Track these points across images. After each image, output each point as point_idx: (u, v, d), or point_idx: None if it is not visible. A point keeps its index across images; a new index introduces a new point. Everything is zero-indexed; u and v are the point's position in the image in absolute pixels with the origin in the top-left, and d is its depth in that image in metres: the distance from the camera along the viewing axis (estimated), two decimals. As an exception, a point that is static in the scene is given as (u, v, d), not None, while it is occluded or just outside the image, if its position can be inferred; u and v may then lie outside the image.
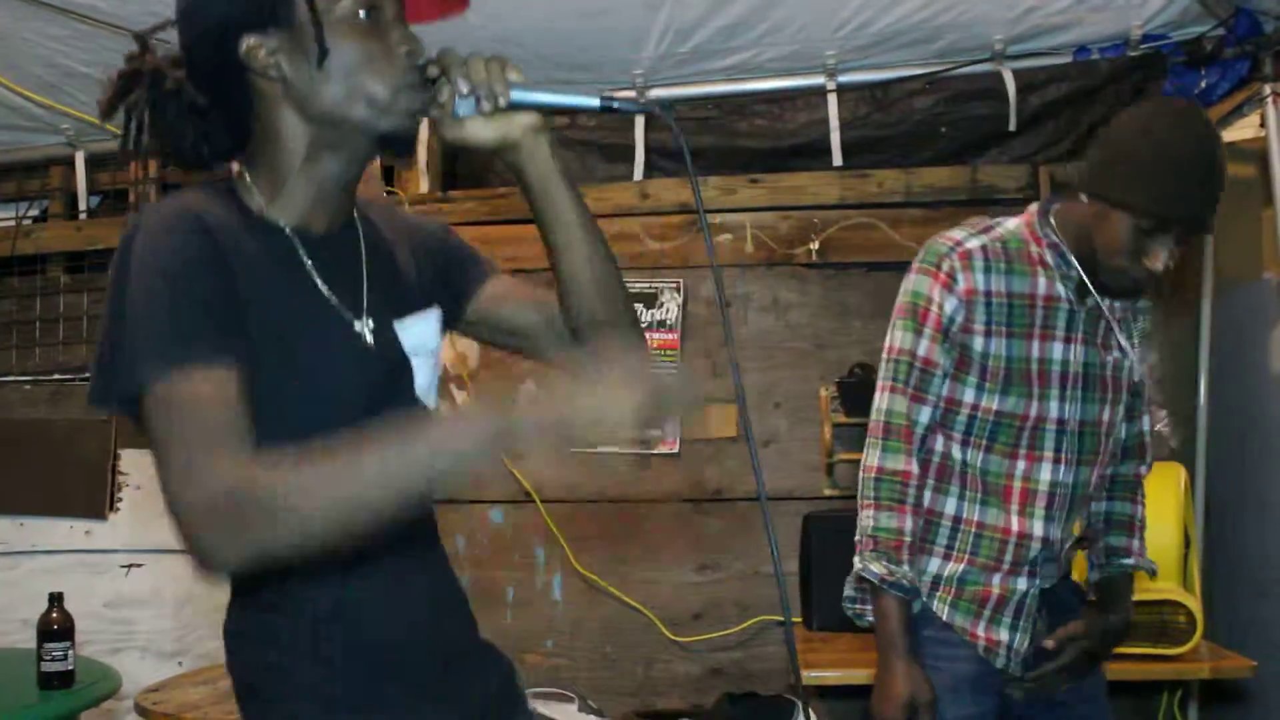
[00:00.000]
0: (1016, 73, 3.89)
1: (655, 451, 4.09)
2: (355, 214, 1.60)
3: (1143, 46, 3.78)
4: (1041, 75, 3.92)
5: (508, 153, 1.53)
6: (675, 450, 4.08)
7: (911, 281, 2.34)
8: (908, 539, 2.28)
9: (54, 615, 3.22)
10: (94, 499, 4.32)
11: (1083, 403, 2.34)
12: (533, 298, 1.72)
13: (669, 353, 4.09)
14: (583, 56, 3.83)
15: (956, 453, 2.35)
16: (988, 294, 2.27)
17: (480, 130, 1.50)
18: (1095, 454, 2.38)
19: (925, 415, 2.32)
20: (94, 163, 4.47)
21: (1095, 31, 3.77)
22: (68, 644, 3.19)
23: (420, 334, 1.60)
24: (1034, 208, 2.39)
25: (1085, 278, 2.30)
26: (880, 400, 2.33)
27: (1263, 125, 3.72)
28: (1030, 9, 3.61)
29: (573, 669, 4.09)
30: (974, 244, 2.30)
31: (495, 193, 4.19)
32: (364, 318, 1.53)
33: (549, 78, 3.97)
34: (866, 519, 2.31)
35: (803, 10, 3.59)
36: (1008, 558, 2.34)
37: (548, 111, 1.54)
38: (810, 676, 3.18)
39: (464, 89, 1.46)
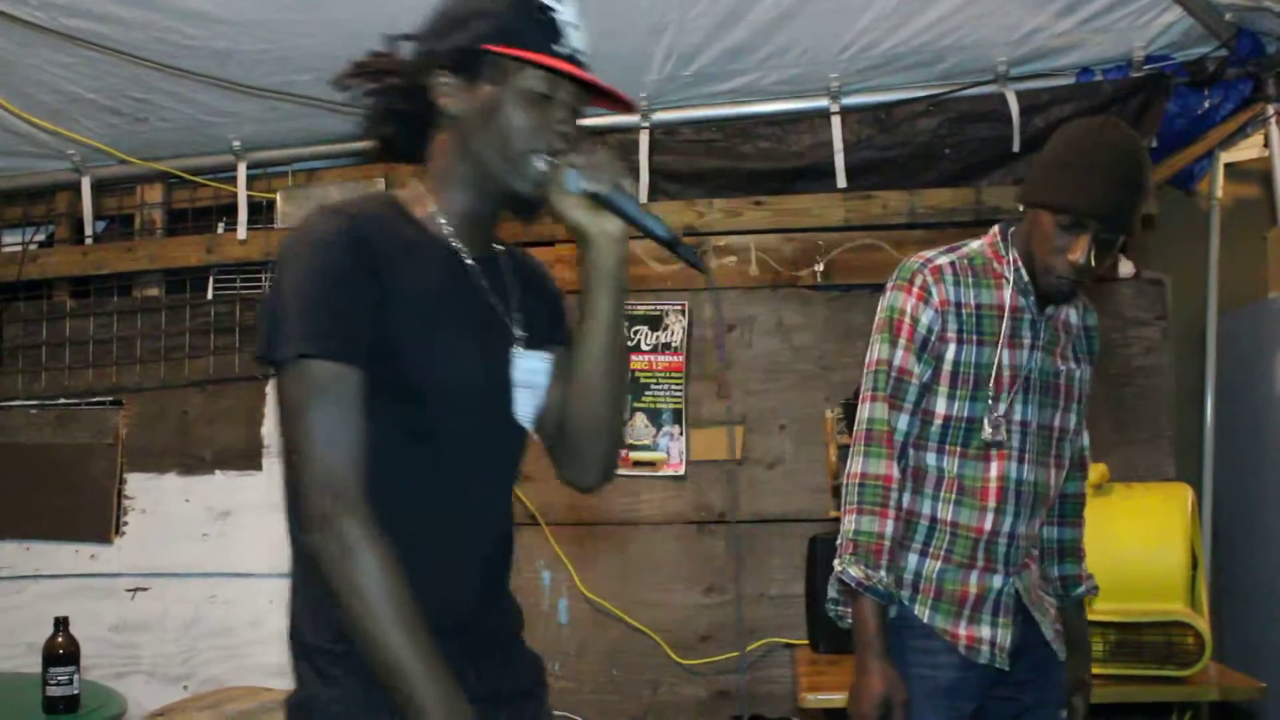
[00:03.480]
0: (1020, 94, 3.90)
1: (660, 474, 4.08)
2: (500, 246, 1.83)
3: (1145, 68, 3.79)
4: (1045, 97, 3.93)
5: (583, 242, 1.69)
6: (680, 472, 4.08)
7: (887, 298, 2.49)
8: (887, 543, 2.38)
9: (59, 639, 3.22)
10: (100, 523, 4.32)
11: (1039, 406, 2.46)
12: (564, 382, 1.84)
13: (674, 375, 4.09)
14: (587, 80, 3.84)
15: (932, 460, 2.46)
16: (959, 305, 2.42)
17: (574, 209, 1.66)
18: (1050, 456, 2.50)
19: (903, 422, 2.43)
20: (100, 188, 4.48)
21: (1098, 53, 3.78)
22: (73, 668, 3.20)
23: (533, 370, 1.78)
24: (995, 229, 2.53)
25: (1033, 287, 2.44)
26: (862, 410, 2.46)
27: (1266, 145, 3.74)
28: (1033, 31, 3.62)
29: (579, 692, 4.08)
30: (943, 260, 2.47)
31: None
32: (502, 327, 1.76)
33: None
34: (849, 523, 2.41)
35: (806, 33, 3.61)
36: (980, 555, 2.44)
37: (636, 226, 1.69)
38: (816, 699, 3.16)
39: (579, 162, 1.65)
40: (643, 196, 4.14)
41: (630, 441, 4.09)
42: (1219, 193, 4.04)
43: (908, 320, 2.42)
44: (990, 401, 2.41)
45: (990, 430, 2.40)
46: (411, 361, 1.61)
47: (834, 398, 3.97)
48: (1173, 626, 3.14)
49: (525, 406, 1.78)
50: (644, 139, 4.12)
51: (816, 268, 4.06)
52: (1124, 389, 3.93)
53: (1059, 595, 2.65)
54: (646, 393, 4.10)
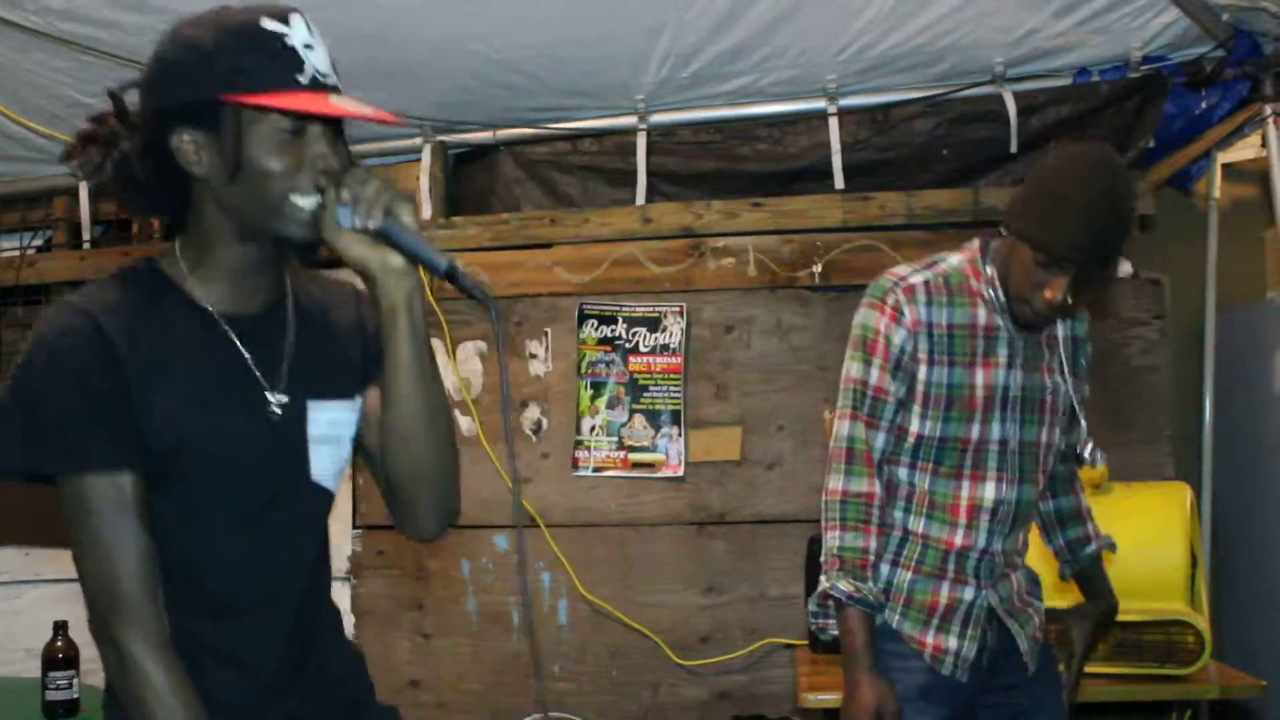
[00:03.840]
0: (1017, 95, 3.90)
1: (659, 475, 4.08)
2: (290, 294, 1.72)
3: (1143, 68, 3.80)
4: (1042, 97, 3.94)
5: (367, 280, 1.58)
6: (680, 473, 4.08)
7: (860, 315, 2.47)
8: (871, 557, 2.40)
9: (59, 644, 3.22)
10: (98, 527, 4.31)
11: (1022, 424, 2.45)
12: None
13: (673, 376, 4.09)
14: (584, 82, 3.85)
15: (904, 475, 2.47)
16: (930, 325, 2.41)
17: (352, 246, 1.54)
18: (1035, 472, 2.50)
19: (880, 440, 2.43)
20: (97, 193, 4.43)
21: (1095, 54, 3.79)
22: (73, 673, 3.19)
23: (331, 421, 1.70)
24: (976, 243, 2.50)
25: (1005, 307, 2.42)
26: (840, 428, 2.46)
27: (1264, 145, 3.73)
28: (1030, 31, 3.62)
29: (579, 693, 4.08)
30: (917, 279, 2.44)
31: (499, 219, 4.20)
32: (277, 391, 1.65)
33: (551, 104, 4.00)
34: (832, 539, 2.42)
35: (803, 35, 3.61)
36: (951, 567, 2.45)
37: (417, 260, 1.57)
38: (815, 699, 3.16)
39: (344, 196, 1.53)
40: (640, 199, 4.14)
41: (629, 443, 4.09)
42: (1217, 193, 4.04)
43: (881, 340, 2.41)
44: (964, 422, 2.40)
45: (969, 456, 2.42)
46: (169, 448, 1.55)
47: (833, 398, 3.87)
48: (1172, 625, 3.14)
49: (324, 463, 1.70)
50: (641, 141, 4.12)
51: (815, 269, 4.07)
52: (1122, 389, 3.93)
53: (1070, 562, 2.70)
54: (645, 394, 4.10)
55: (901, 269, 2.48)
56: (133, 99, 1.60)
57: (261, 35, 1.51)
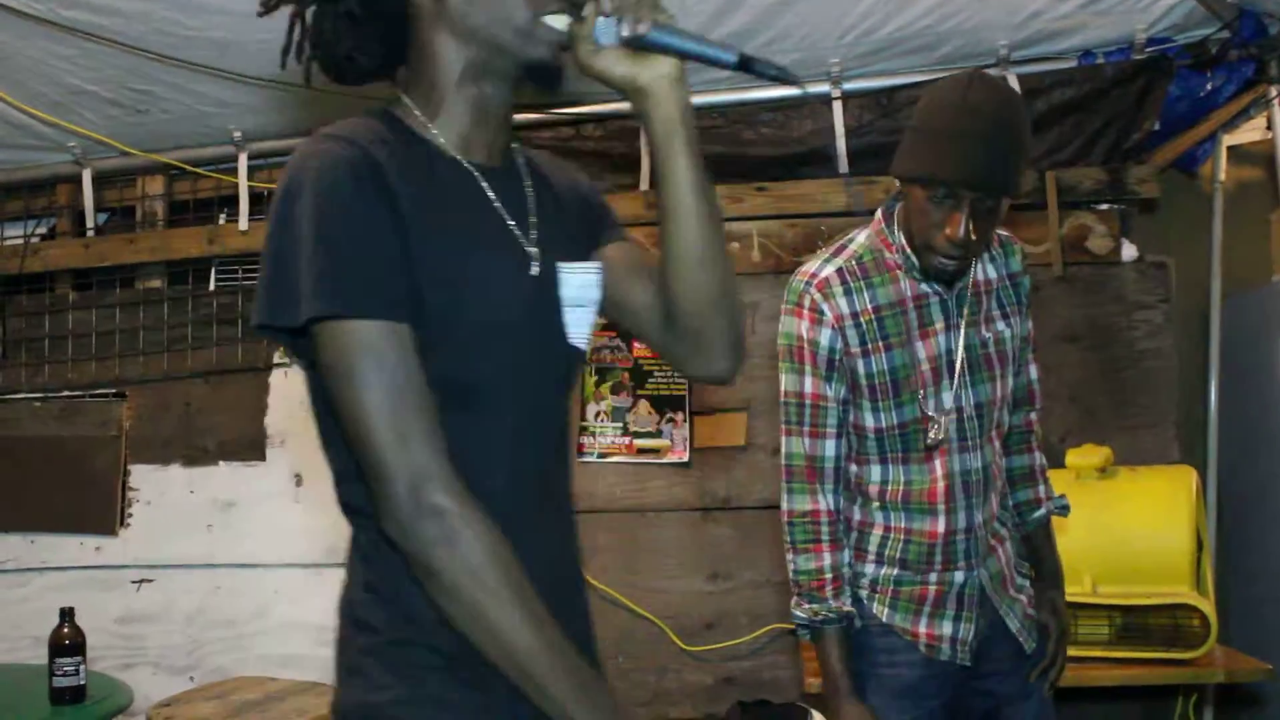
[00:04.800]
0: (1021, 78, 3.88)
1: (664, 461, 4.08)
2: (518, 151, 1.59)
3: (1147, 50, 3.78)
4: (1047, 80, 3.92)
5: (636, 97, 1.44)
6: (685, 459, 4.08)
7: (782, 324, 2.37)
8: (829, 575, 2.33)
9: (65, 630, 3.23)
10: (104, 515, 4.33)
11: (973, 386, 2.35)
12: (649, 274, 1.61)
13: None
14: (587, 67, 3.83)
15: (877, 473, 2.38)
16: (854, 315, 2.31)
17: (615, 65, 1.41)
18: (990, 431, 2.40)
19: (830, 448, 2.35)
20: (101, 180, 4.47)
21: (1099, 36, 3.77)
22: (79, 659, 3.20)
23: (582, 284, 1.56)
24: (879, 213, 2.40)
25: (919, 266, 2.30)
26: (783, 445, 2.38)
27: (1269, 128, 3.72)
28: (1034, 14, 3.61)
29: (584, 680, 4.08)
30: (828, 271, 2.34)
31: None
32: (530, 242, 1.52)
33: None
34: (789, 564, 2.37)
35: (807, 18, 3.60)
36: (938, 558, 2.36)
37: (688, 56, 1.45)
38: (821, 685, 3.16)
39: (607, 7, 1.39)
40: (644, 184, 4.13)
41: (634, 429, 4.09)
42: (1222, 175, 4.03)
43: (807, 345, 2.32)
44: (916, 403, 2.31)
45: (931, 434, 2.31)
46: (443, 304, 1.39)
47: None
48: (1178, 609, 3.14)
49: (579, 326, 1.56)
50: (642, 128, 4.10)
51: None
52: (1128, 372, 3.92)
53: (1018, 525, 2.55)
54: (650, 380, 4.10)
55: (810, 265, 2.38)
56: None
57: None
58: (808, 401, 2.33)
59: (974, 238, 2.20)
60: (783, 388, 2.37)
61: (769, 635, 4.02)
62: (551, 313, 1.53)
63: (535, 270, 1.50)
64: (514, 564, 1.34)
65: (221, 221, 4.46)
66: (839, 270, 2.33)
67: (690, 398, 4.08)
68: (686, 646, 4.05)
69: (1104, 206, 3.99)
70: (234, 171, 4.34)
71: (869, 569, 2.40)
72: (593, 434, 4.11)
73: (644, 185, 4.13)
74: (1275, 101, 3.61)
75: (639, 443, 4.09)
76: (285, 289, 1.34)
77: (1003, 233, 2.46)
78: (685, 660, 4.07)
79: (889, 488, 2.36)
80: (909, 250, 2.31)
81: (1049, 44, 3.83)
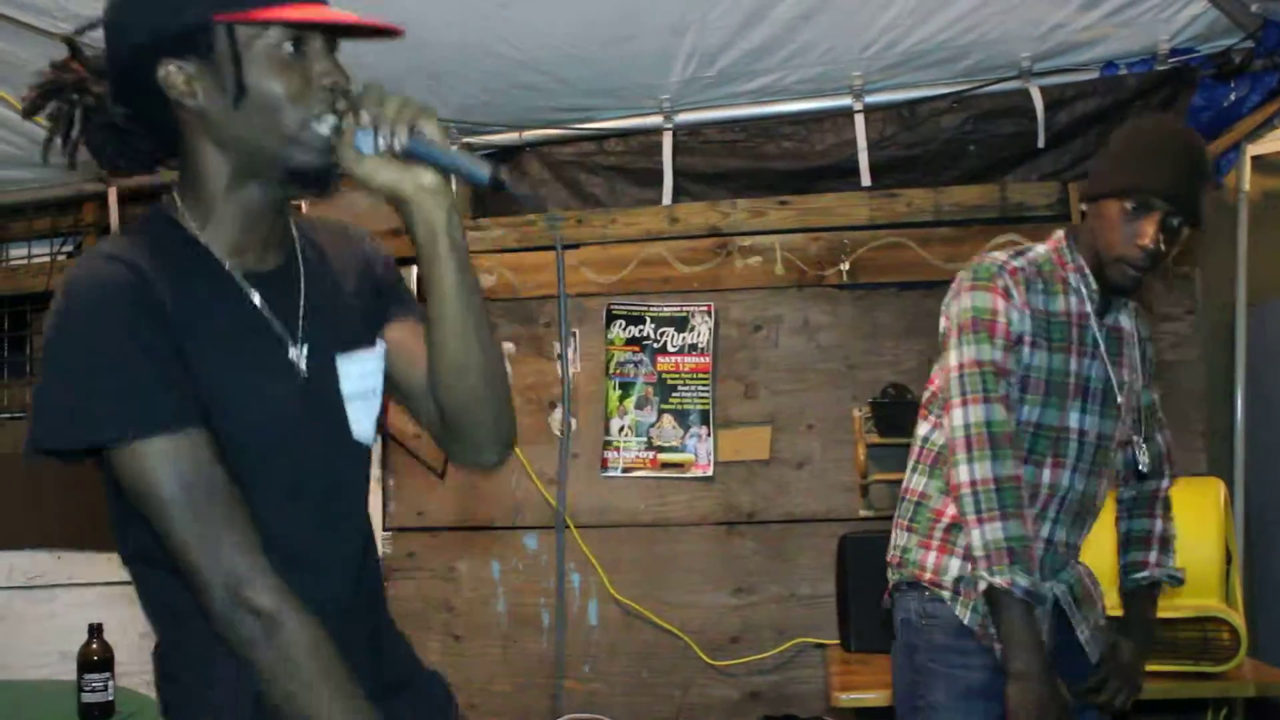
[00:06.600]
0: (1044, 90, 3.88)
1: (688, 475, 4.08)
2: (297, 240, 1.60)
3: (1170, 61, 3.77)
4: (1069, 92, 3.92)
5: (399, 205, 1.45)
6: (709, 473, 4.08)
7: (969, 299, 2.39)
8: (1033, 543, 2.31)
9: (94, 646, 3.23)
10: (131, 531, 4.34)
11: (1100, 416, 2.44)
12: (424, 357, 1.62)
13: (701, 375, 4.09)
14: (608, 82, 3.84)
15: None
16: (1034, 310, 2.39)
17: (377, 172, 1.42)
18: (1104, 466, 2.48)
19: (1012, 418, 2.34)
20: (126, 198, 4.50)
21: (1122, 47, 3.76)
22: (107, 675, 3.21)
23: (362, 374, 1.59)
24: (1060, 233, 2.51)
25: (1098, 287, 2.43)
26: (966, 415, 2.32)
27: (1294, 138, 3.70)
28: (1056, 25, 3.60)
29: (609, 694, 4.08)
30: (1018, 263, 2.43)
31: (525, 220, 4.21)
32: (299, 346, 1.53)
33: (575, 104, 4.00)
34: (993, 531, 2.26)
35: (828, 32, 3.59)
36: None
37: (448, 171, 1.46)
38: (848, 699, 3.16)
39: (365, 120, 1.41)
40: (667, 199, 4.14)
41: (658, 443, 4.09)
42: (1246, 186, 4.01)
43: (1001, 319, 2.35)
44: (1059, 410, 2.38)
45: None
46: (213, 424, 1.41)
47: (861, 397, 3.96)
48: (1208, 622, 3.12)
49: (361, 420, 1.58)
50: (667, 140, 4.12)
51: (842, 266, 4.06)
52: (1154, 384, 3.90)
53: (1120, 584, 2.63)
54: (674, 394, 4.10)
55: (996, 255, 2.45)
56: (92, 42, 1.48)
57: None
58: (994, 370, 2.33)
59: (1162, 249, 2.34)
60: (967, 358, 2.35)
61: (794, 649, 4.01)
62: (329, 413, 1.56)
63: (305, 376, 1.52)
64: (331, 655, 1.40)
65: (246, 238, 4.48)
66: (1022, 268, 2.42)
67: (714, 411, 4.08)
68: (711, 661, 4.04)
69: (1128, 218, 3.97)
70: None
71: (955, 565, 2.40)
72: (616, 448, 4.11)
73: (666, 200, 4.14)
74: (1300, 111, 3.60)
75: (663, 456, 4.09)
76: (64, 413, 1.38)
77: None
78: (711, 675, 4.06)
79: None
80: (1087, 271, 2.43)
81: (1071, 55, 3.82)
